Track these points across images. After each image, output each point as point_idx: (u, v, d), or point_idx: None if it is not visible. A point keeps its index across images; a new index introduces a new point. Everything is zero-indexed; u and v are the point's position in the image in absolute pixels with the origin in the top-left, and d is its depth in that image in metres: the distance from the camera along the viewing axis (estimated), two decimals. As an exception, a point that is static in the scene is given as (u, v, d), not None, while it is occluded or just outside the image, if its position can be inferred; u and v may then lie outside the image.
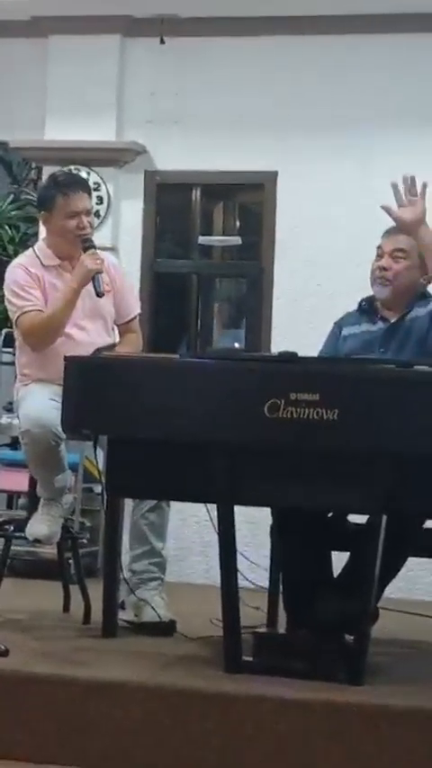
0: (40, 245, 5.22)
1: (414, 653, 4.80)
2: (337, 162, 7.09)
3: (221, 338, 7.54)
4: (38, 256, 5.06)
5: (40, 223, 5.38)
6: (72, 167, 7.07)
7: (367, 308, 4.87)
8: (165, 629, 4.77)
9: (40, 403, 4.77)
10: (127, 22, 7.31)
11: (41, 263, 5.02)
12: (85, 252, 4.94)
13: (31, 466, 4.91)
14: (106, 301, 5.03)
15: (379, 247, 4.82)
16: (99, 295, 4.89)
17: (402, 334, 4.72)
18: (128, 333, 5.19)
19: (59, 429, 4.65)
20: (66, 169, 6.33)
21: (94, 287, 4.89)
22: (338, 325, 4.93)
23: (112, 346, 4.84)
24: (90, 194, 5.13)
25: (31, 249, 5.23)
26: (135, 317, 5.21)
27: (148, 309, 5.31)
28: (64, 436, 4.71)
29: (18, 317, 4.97)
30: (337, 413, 4.03)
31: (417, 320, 4.73)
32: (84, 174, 6.87)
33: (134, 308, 5.21)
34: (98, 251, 5.17)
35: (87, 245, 4.97)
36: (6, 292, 5.05)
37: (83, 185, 5.15)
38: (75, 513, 6.40)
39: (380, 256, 4.80)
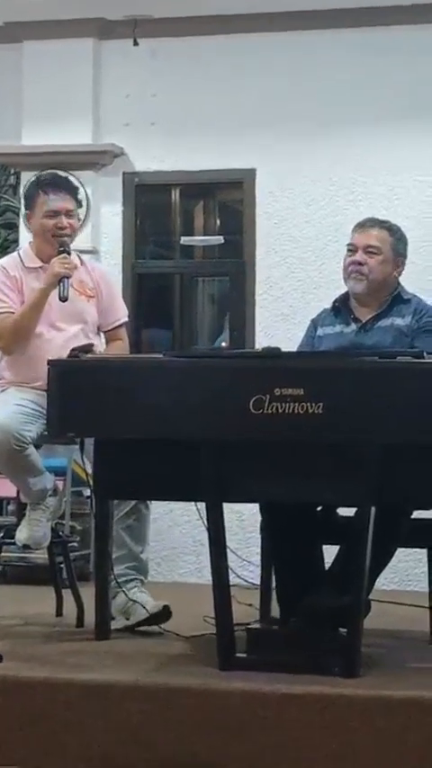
0: (25, 246, 5.23)
1: (407, 644, 4.80)
2: (315, 156, 7.10)
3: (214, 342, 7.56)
4: (21, 258, 5.06)
5: (22, 227, 5.37)
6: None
7: (341, 308, 4.88)
8: (159, 617, 4.77)
9: (4, 408, 4.78)
10: (100, 25, 7.31)
11: (23, 264, 5.02)
12: (58, 255, 4.93)
13: (1, 471, 4.92)
14: (88, 306, 5.04)
15: (351, 244, 4.83)
16: (62, 300, 4.86)
17: (377, 337, 4.73)
18: (114, 340, 5.18)
19: (23, 433, 4.67)
20: (61, 173, 6.26)
21: (59, 291, 4.87)
22: (314, 323, 4.94)
23: (90, 346, 4.82)
24: (74, 196, 5.09)
25: (17, 251, 5.24)
26: (121, 325, 5.19)
27: (130, 311, 5.30)
28: (28, 440, 4.71)
29: None
30: (322, 406, 4.04)
31: (393, 329, 4.74)
32: (62, 178, 6.88)
33: (120, 315, 5.19)
34: (84, 257, 5.19)
35: (61, 248, 4.95)
36: None
37: (65, 186, 5.12)
38: (65, 516, 6.40)
39: (352, 252, 4.81)
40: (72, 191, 5.11)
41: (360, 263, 4.77)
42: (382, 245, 4.78)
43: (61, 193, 5.03)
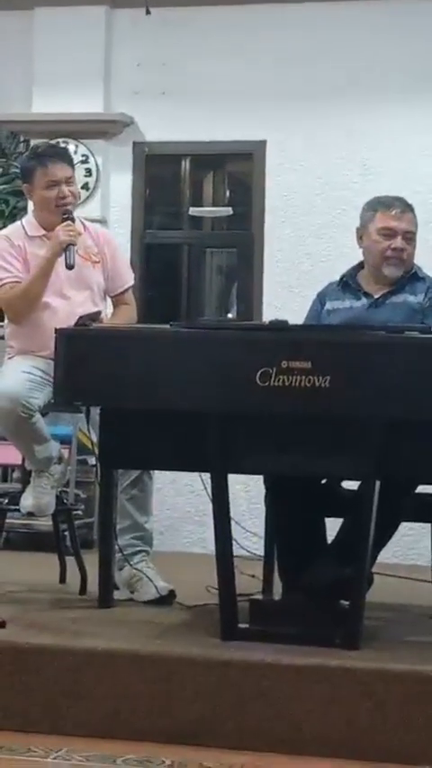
0: (28, 216, 5.25)
1: (408, 617, 4.82)
2: (325, 129, 7.08)
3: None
4: (24, 227, 5.08)
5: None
6: (60, 140, 7.06)
7: (349, 282, 4.86)
8: (166, 599, 4.80)
9: (12, 375, 4.79)
10: (113, -7, 7.29)
11: (26, 233, 5.03)
12: (62, 223, 4.93)
13: (8, 438, 4.94)
14: (94, 272, 5.04)
15: (389, 228, 4.74)
16: (68, 267, 4.86)
17: (388, 313, 4.72)
18: (121, 304, 5.20)
19: (30, 401, 4.68)
20: (53, 141, 6.30)
21: (65, 259, 4.87)
22: (320, 297, 4.92)
23: (97, 314, 4.83)
24: (71, 163, 5.11)
25: (19, 221, 5.25)
26: (128, 289, 5.20)
27: (138, 281, 5.31)
28: (36, 408, 4.71)
29: None
30: (329, 380, 4.04)
31: (405, 306, 4.73)
32: (72, 147, 6.86)
33: (127, 279, 5.20)
34: (87, 222, 5.19)
35: (65, 216, 4.95)
36: None
37: (62, 155, 5.13)
38: (69, 485, 6.41)
39: (389, 236, 4.73)
40: (67, 158, 5.14)
41: (401, 250, 4.75)
42: (415, 230, 4.78)
43: (58, 162, 5.03)
